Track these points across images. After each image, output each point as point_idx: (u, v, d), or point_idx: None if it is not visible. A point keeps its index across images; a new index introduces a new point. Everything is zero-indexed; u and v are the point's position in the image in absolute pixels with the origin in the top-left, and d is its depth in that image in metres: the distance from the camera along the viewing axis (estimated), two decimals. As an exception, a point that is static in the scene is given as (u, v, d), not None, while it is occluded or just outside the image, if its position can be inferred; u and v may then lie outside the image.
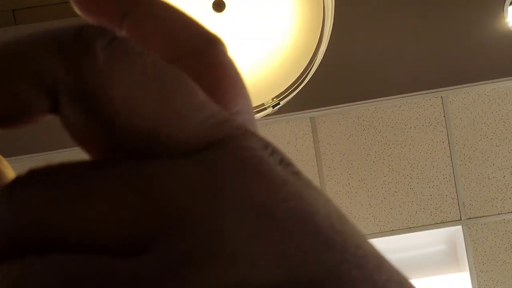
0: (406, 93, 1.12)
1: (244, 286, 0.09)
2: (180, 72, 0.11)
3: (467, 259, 1.11)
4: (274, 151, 0.11)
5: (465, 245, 1.11)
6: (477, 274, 1.11)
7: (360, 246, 0.10)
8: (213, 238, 0.09)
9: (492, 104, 1.13)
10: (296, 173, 0.11)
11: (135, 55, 0.11)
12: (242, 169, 0.10)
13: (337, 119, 1.13)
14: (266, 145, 0.11)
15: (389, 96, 1.12)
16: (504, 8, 1.10)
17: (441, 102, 1.13)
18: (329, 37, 0.74)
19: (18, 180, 0.10)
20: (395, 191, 1.12)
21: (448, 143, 1.12)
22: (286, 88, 0.77)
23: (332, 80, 1.10)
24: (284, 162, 0.11)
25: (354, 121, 1.13)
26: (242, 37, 0.75)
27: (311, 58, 0.76)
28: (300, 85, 0.77)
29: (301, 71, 0.76)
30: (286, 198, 0.10)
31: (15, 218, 0.10)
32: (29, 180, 0.10)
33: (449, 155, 1.12)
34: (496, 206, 1.12)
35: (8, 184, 0.10)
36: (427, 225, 1.12)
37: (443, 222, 1.12)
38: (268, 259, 0.09)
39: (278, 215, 0.10)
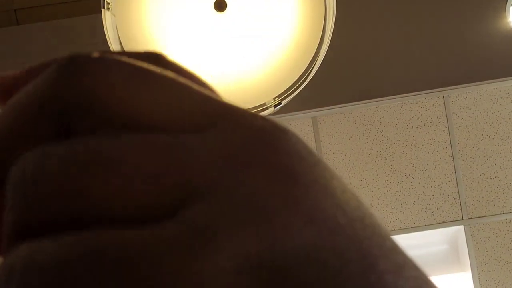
0: (408, 92, 1.12)
1: (279, 249, 0.09)
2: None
3: (469, 259, 1.11)
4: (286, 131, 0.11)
5: (467, 245, 1.11)
6: (478, 274, 1.10)
7: (378, 226, 0.10)
8: (248, 203, 0.09)
9: (494, 103, 1.13)
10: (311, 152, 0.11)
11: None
12: (267, 140, 0.11)
13: (339, 119, 1.13)
14: (280, 126, 0.12)
15: (390, 95, 1.12)
16: (506, 8, 1.09)
17: (443, 101, 1.13)
18: (330, 36, 0.74)
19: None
20: (396, 191, 1.12)
21: (450, 142, 1.12)
22: (288, 88, 0.77)
23: (333, 80, 1.10)
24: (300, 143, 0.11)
25: (355, 120, 1.13)
26: (244, 37, 0.74)
27: (312, 58, 0.76)
28: (301, 84, 0.76)
29: (303, 70, 0.76)
30: (312, 164, 0.11)
31: (41, 193, 0.10)
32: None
33: (451, 155, 1.12)
34: (498, 206, 1.12)
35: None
36: (428, 225, 1.11)
37: (445, 222, 1.11)
38: (299, 224, 0.09)
39: (307, 183, 0.10)
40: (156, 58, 0.13)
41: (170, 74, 0.12)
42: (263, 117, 0.12)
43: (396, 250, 0.10)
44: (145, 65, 0.12)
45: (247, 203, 0.10)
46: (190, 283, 0.09)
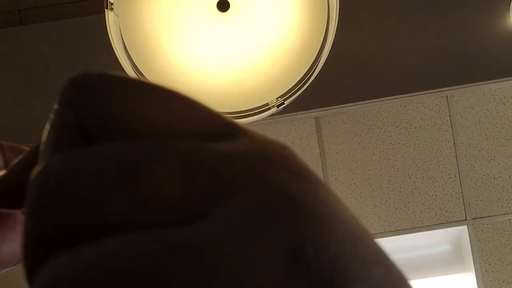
0: (411, 92, 1.12)
1: (315, 241, 0.09)
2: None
3: (473, 259, 1.10)
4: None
5: (471, 245, 1.11)
6: (482, 274, 1.10)
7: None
8: (285, 199, 0.10)
9: (497, 103, 1.12)
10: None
11: None
12: (282, 147, 0.12)
13: (342, 119, 1.13)
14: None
15: (394, 95, 1.11)
16: (510, 8, 1.09)
17: (446, 101, 1.12)
18: (333, 36, 0.74)
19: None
20: (400, 191, 1.12)
21: (454, 142, 1.12)
22: (291, 88, 0.77)
23: (336, 80, 1.10)
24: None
25: (359, 120, 1.13)
26: (246, 37, 0.74)
27: (315, 58, 0.76)
28: (304, 84, 0.76)
29: (306, 70, 0.76)
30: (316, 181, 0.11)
31: (72, 197, 0.10)
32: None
33: (455, 155, 1.12)
34: (502, 206, 1.11)
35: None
36: (432, 225, 1.11)
37: (448, 222, 1.11)
38: (330, 221, 0.10)
39: (327, 186, 0.11)
40: None
41: (175, 89, 0.12)
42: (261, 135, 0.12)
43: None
44: (148, 80, 0.12)
45: (287, 199, 0.10)
46: (251, 265, 0.09)
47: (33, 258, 0.10)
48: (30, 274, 0.10)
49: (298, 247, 0.09)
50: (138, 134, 0.11)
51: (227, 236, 0.09)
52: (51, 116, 0.12)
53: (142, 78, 0.12)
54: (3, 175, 0.14)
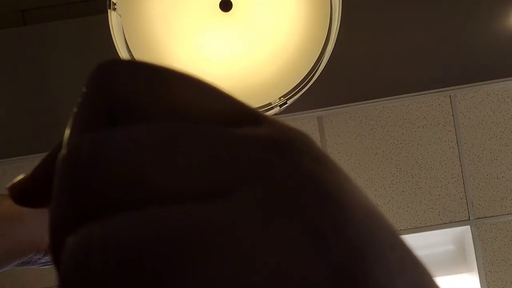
0: (414, 92, 1.11)
1: (334, 223, 0.10)
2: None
3: (476, 259, 1.10)
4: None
5: (474, 245, 1.10)
6: (485, 274, 1.10)
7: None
8: (306, 183, 0.10)
9: (501, 103, 1.12)
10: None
11: None
12: (303, 135, 0.12)
13: (345, 119, 1.13)
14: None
15: (397, 95, 1.11)
16: (514, 6, 1.09)
17: (449, 101, 1.12)
18: (336, 36, 0.74)
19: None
20: (403, 191, 1.12)
21: (457, 142, 1.12)
22: (294, 87, 0.77)
23: (339, 79, 1.10)
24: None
25: (361, 120, 1.13)
26: (249, 36, 0.75)
27: (318, 57, 0.75)
28: (307, 84, 0.76)
29: (308, 70, 0.76)
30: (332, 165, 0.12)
31: (108, 179, 0.10)
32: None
33: (458, 155, 1.11)
34: (505, 206, 1.11)
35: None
36: (435, 225, 1.11)
37: (451, 222, 1.11)
38: (349, 205, 0.10)
39: (346, 173, 0.11)
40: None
41: (199, 77, 0.13)
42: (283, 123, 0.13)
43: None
44: (173, 67, 0.12)
45: (309, 183, 0.10)
46: (272, 244, 0.09)
47: (64, 229, 0.10)
48: (58, 246, 0.10)
49: (317, 228, 0.09)
50: (164, 118, 0.11)
51: (247, 215, 0.09)
52: (79, 99, 0.12)
53: (167, 66, 0.12)
54: (28, 175, 0.15)
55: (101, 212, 0.10)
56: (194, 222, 0.09)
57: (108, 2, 0.71)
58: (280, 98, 0.77)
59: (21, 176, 0.15)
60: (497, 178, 1.11)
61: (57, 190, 0.10)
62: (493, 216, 1.11)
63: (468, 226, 1.11)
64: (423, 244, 1.16)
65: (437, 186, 1.11)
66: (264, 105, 0.77)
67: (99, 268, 0.09)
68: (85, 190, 0.10)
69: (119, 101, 0.11)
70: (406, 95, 1.11)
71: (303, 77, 0.77)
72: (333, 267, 0.09)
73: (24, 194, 0.14)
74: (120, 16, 0.73)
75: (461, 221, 1.11)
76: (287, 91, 0.77)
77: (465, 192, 1.11)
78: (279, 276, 0.09)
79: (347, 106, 1.12)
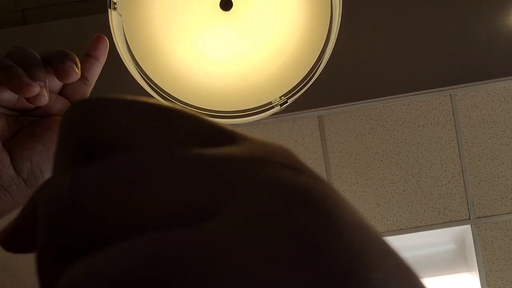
0: (414, 91, 1.11)
1: (325, 230, 0.10)
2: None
3: (476, 258, 1.10)
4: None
5: (474, 244, 1.10)
6: (486, 273, 1.10)
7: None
8: (291, 192, 0.10)
9: (501, 102, 1.12)
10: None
11: None
12: (282, 149, 0.12)
13: (345, 118, 1.13)
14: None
15: (397, 94, 1.11)
16: (514, 6, 1.09)
17: (450, 100, 1.12)
18: (336, 35, 0.74)
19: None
20: (403, 190, 1.12)
21: (457, 141, 1.11)
22: (294, 87, 0.77)
23: (339, 78, 1.10)
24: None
25: (362, 119, 1.13)
26: (249, 36, 0.74)
27: (318, 56, 0.75)
28: (307, 83, 0.76)
29: (309, 69, 0.76)
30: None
31: (91, 211, 0.10)
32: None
33: (458, 154, 1.11)
34: (505, 205, 1.11)
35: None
36: (435, 224, 1.11)
37: (452, 221, 1.11)
38: (338, 212, 0.10)
39: (329, 183, 0.12)
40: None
41: (172, 106, 0.13)
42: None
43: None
44: (145, 99, 0.13)
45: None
46: (261, 257, 0.09)
47: (51, 270, 0.10)
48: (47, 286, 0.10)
49: (307, 236, 0.09)
50: (140, 147, 0.12)
51: (234, 232, 0.09)
52: (56, 140, 0.13)
53: (137, 98, 0.13)
54: (14, 219, 0.15)
55: (87, 249, 0.10)
56: (180, 248, 0.09)
57: (108, 1, 0.71)
58: (280, 97, 0.77)
59: (9, 221, 0.14)
60: (498, 177, 1.11)
61: (43, 229, 0.10)
62: (493, 215, 1.11)
63: (469, 226, 1.11)
64: (423, 243, 1.16)
65: (438, 185, 1.11)
66: (265, 104, 0.77)
67: None
68: (67, 229, 0.10)
69: (93, 137, 0.12)
70: (406, 94, 1.11)
71: (303, 76, 0.77)
72: (327, 279, 0.09)
73: (12, 240, 0.14)
74: (121, 15, 0.73)
75: (462, 220, 1.11)
76: (288, 90, 0.77)
77: (465, 191, 1.11)
78: None
79: (348, 106, 1.12)
